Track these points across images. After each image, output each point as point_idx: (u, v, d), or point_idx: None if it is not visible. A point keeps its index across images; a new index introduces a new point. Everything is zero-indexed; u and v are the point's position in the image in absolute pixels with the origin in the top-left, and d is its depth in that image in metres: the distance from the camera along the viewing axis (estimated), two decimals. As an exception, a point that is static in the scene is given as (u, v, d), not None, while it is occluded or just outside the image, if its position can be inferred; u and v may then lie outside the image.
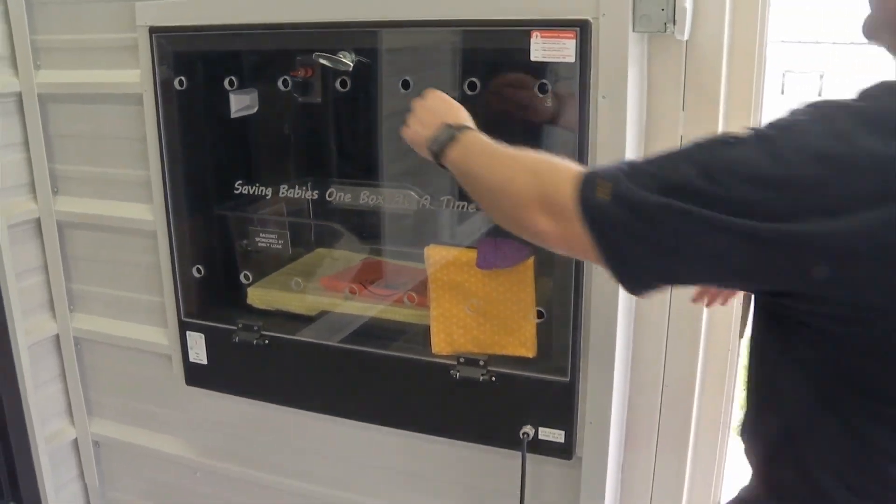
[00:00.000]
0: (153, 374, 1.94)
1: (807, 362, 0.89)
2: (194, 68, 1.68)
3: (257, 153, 1.84)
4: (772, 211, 0.77)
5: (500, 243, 1.48)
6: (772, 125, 0.82)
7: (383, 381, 1.63)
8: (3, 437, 1.97)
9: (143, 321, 1.92)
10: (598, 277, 1.39)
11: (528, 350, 1.52)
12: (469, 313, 1.54)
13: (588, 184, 0.90)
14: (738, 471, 1.32)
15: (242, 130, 1.79)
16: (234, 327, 1.72)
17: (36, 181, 1.91)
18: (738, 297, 1.38)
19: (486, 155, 1.07)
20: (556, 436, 1.50)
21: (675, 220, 0.82)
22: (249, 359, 1.72)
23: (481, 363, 1.53)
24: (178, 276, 1.76)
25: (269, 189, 1.72)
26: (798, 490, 0.95)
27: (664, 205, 0.82)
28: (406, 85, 1.47)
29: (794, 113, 0.83)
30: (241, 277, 1.78)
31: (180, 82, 1.66)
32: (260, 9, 1.54)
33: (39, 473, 2.03)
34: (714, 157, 0.83)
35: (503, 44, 1.39)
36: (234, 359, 1.75)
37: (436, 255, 1.53)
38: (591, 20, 1.29)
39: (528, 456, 1.50)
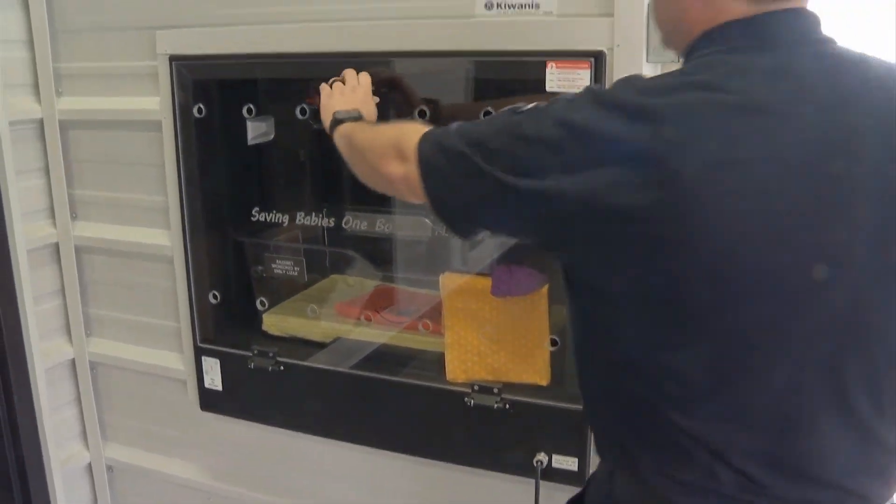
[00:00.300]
0: (168, 399, 1.95)
1: (578, 317, 1.03)
2: (212, 96, 1.70)
3: (273, 180, 1.86)
4: (527, 167, 0.90)
5: (514, 271, 1.49)
6: (549, 101, 0.96)
7: (397, 407, 1.64)
8: (19, 461, 1.98)
9: (159, 346, 1.93)
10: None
11: (542, 378, 1.53)
12: (483, 341, 1.54)
13: (428, 133, 1.04)
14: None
15: (259, 157, 1.82)
16: (250, 353, 1.72)
17: (55, 206, 1.93)
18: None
19: (369, 128, 1.25)
20: (569, 463, 1.49)
21: (466, 167, 0.96)
22: (264, 384, 1.72)
23: (495, 391, 1.53)
24: (194, 301, 1.78)
25: (286, 216, 1.74)
26: (610, 447, 1.07)
27: (461, 153, 0.96)
28: (423, 114, 1.49)
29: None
30: (258, 304, 1.79)
31: (199, 109, 1.68)
32: (277, 38, 1.56)
33: (53, 497, 2.04)
34: (502, 120, 0.97)
35: (519, 74, 1.40)
36: (249, 384, 1.75)
37: (451, 283, 1.54)
38: (606, 51, 1.31)
39: (542, 483, 1.49)
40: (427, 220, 1.71)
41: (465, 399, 1.54)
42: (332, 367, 1.68)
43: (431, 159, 1.01)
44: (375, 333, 1.71)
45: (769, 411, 0.91)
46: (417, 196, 1.04)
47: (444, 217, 1.04)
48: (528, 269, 1.51)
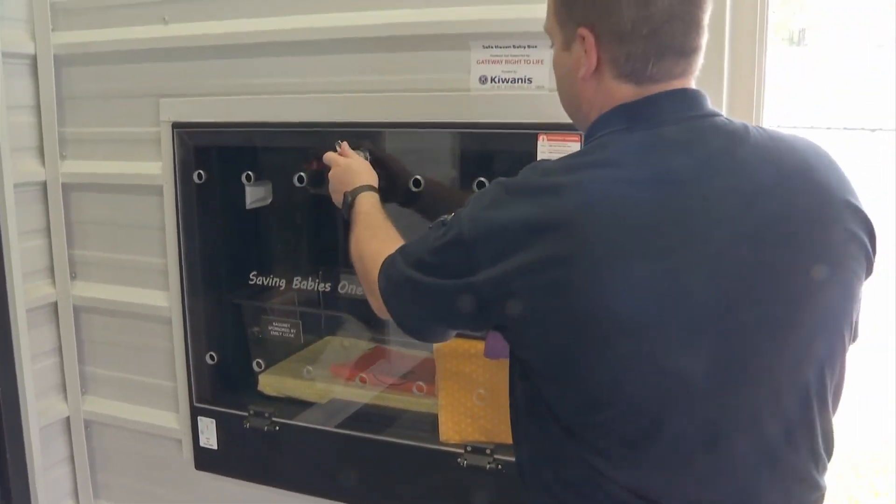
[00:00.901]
0: (162, 458, 1.97)
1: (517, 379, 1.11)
2: (213, 161, 1.76)
3: (271, 243, 1.92)
4: (458, 269, 0.99)
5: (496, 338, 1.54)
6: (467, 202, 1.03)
7: (391, 467, 1.66)
8: (10, 520, 1.98)
9: (155, 405, 1.95)
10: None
11: (534, 439, 1.56)
12: (476, 403, 1.58)
13: (383, 266, 1.13)
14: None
15: (257, 221, 1.87)
16: (246, 413, 1.75)
17: (55, 266, 1.97)
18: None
19: (363, 226, 1.32)
20: (561, 525, 1.52)
21: (413, 288, 1.06)
22: (259, 444, 1.75)
23: (488, 451, 1.56)
24: (191, 361, 1.81)
25: (283, 280, 1.78)
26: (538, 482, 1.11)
27: (407, 277, 1.06)
28: (417, 184, 1.54)
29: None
30: (254, 364, 1.83)
31: (199, 175, 1.73)
32: (276, 108, 1.63)
33: (44, 556, 2.03)
34: (432, 235, 1.05)
35: (510, 145, 1.47)
36: (245, 444, 1.78)
37: (444, 347, 1.58)
38: (594, 125, 1.37)
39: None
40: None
41: (458, 460, 1.57)
42: (326, 427, 1.71)
43: (388, 290, 1.12)
44: (369, 394, 1.74)
45: (694, 459, 0.96)
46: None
47: (413, 334, 1.16)
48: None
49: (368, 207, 1.36)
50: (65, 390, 2.05)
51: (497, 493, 1.56)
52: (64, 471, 2.10)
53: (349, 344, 1.91)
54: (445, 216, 1.06)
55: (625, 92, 1.00)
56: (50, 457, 2.04)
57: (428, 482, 1.63)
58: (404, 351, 1.82)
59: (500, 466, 1.55)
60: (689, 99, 1.01)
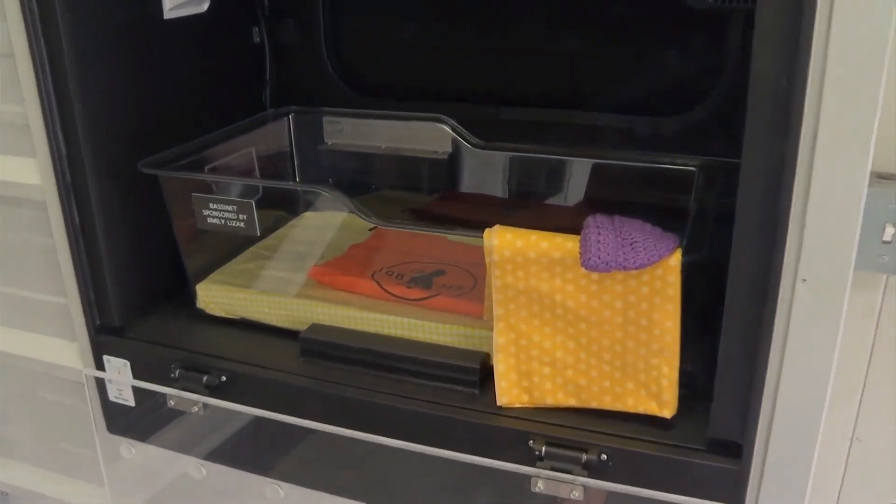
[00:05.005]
0: (66, 410, 1.31)
1: None
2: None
3: (206, 76, 1.19)
4: None
5: (623, 225, 0.84)
6: None
7: (400, 476, 1.00)
8: None
9: (48, 331, 1.28)
10: (806, 289, 0.74)
11: (665, 406, 0.89)
12: (563, 343, 0.90)
13: None
14: None
15: (184, 38, 1.14)
16: (168, 381, 1.07)
17: None
18: None
19: None
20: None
21: None
22: (197, 423, 1.09)
23: (585, 455, 0.89)
24: (85, 265, 1.11)
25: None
26: None
27: None
28: None
29: None
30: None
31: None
32: None
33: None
34: None
35: None
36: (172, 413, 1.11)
37: (504, 243, 0.88)
38: None
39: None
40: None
41: (531, 485, 0.91)
42: (307, 424, 1.02)
43: None
44: (376, 319, 1.06)
45: None
46: None
47: None
48: (644, 223, 0.86)
49: None
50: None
51: None
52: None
53: (340, 222, 1.22)
54: None
55: None
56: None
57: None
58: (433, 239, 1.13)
59: (609, 461, 0.88)
60: None
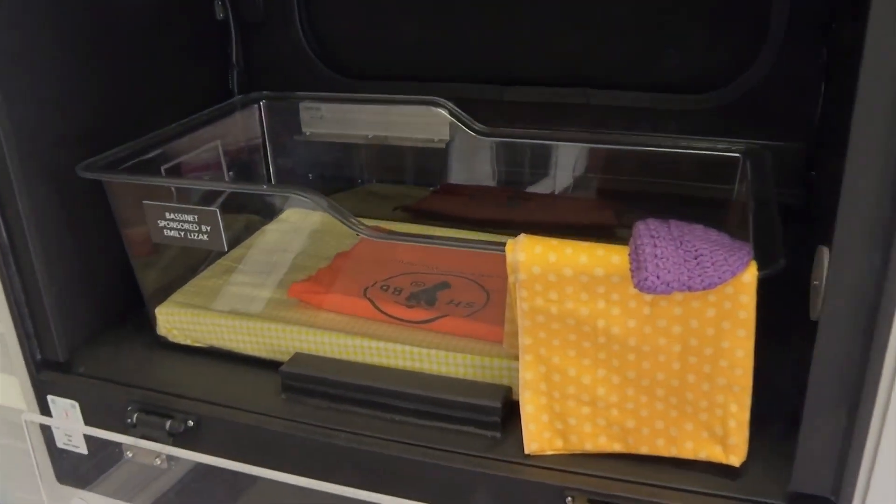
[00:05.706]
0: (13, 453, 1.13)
1: None
2: None
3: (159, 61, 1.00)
4: None
5: (684, 234, 0.67)
6: None
7: None
8: None
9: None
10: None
11: (732, 451, 0.72)
12: (607, 378, 0.73)
13: None
14: None
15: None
16: (122, 427, 0.89)
17: None
18: None
19: None
20: None
21: None
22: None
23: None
24: (23, 287, 0.93)
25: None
26: None
27: None
28: None
29: None
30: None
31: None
32: None
33: None
34: None
35: None
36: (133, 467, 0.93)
37: (533, 258, 0.70)
38: None
39: None
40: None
41: None
42: (290, 479, 0.84)
43: None
44: (373, 346, 0.88)
45: None
46: None
47: None
48: (707, 229, 0.69)
49: None
50: None
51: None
52: None
53: (328, 222, 1.05)
54: None
55: None
56: None
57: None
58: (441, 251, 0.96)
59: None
60: None
